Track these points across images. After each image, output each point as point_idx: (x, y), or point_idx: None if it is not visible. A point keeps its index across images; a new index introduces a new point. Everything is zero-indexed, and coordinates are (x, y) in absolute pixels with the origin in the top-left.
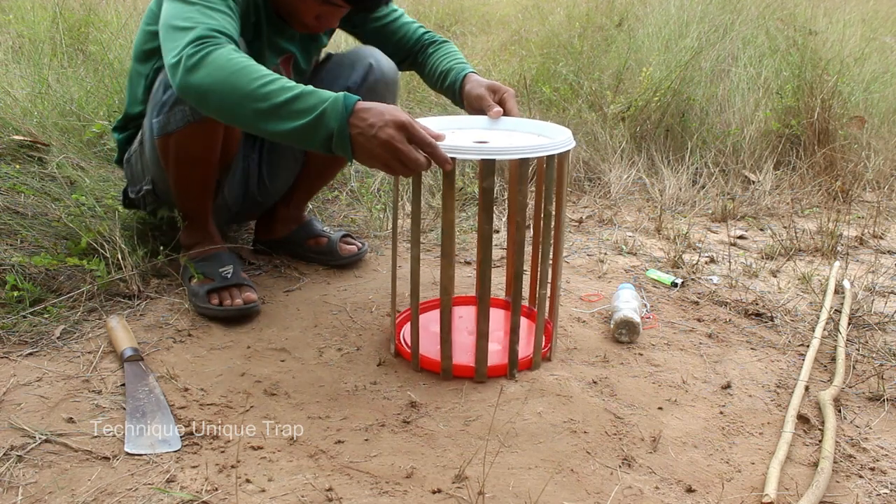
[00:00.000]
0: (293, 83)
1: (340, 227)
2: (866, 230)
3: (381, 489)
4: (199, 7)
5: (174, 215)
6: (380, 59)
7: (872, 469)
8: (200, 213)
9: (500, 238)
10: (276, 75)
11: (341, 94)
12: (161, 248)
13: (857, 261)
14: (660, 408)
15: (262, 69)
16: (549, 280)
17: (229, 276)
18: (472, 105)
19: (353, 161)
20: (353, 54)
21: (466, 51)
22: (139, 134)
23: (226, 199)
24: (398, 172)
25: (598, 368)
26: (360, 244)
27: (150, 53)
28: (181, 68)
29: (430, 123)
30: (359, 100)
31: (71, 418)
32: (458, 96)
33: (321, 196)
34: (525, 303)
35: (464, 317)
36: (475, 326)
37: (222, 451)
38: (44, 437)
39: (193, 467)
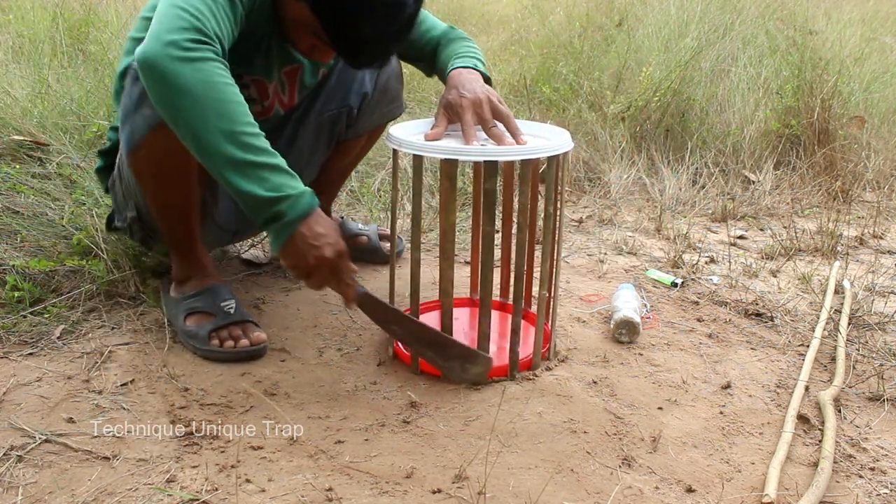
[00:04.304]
0: (273, 150)
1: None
2: (866, 230)
3: (381, 489)
4: (210, 5)
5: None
6: None
7: (872, 469)
8: (186, 238)
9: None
10: (259, 130)
11: (309, 191)
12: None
13: (857, 261)
14: (660, 408)
15: (249, 114)
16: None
17: (232, 310)
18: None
19: (274, 251)
20: None
21: None
22: (118, 156)
23: (216, 219)
24: (315, 282)
25: (598, 368)
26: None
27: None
28: (171, 47)
29: (428, 125)
30: (318, 206)
31: (71, 418)
32: None
33: None
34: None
35: (459, 319)
36: (469, 328)
37: (222, 451)
38: (44, 437)
39: (193, 467)
